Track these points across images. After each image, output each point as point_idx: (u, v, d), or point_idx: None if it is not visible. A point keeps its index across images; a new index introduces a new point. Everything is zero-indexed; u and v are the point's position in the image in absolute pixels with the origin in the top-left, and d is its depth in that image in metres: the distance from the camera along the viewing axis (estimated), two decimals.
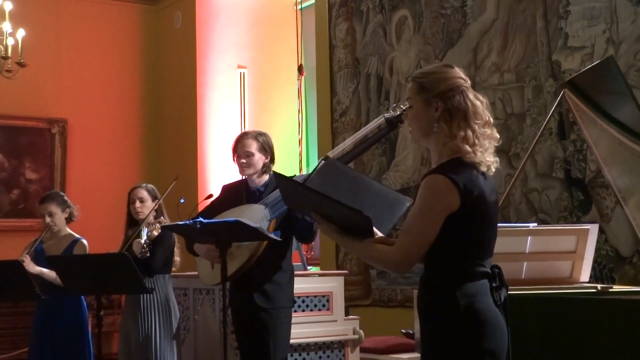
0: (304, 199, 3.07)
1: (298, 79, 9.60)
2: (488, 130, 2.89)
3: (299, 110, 9.56)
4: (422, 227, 2.79)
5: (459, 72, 2.93)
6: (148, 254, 5.47)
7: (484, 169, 2.86)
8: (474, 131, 2.85)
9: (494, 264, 2.89)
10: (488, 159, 2.86)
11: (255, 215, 4.61)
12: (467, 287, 2.78)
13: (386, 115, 4.31)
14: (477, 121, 2.86)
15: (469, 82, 2.94)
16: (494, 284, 2.84)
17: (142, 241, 5.47)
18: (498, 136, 2.93)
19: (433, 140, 2.92)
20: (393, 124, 4.28)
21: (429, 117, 2.90)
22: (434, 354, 2.84)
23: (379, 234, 2.93)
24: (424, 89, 2.91)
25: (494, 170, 2.90)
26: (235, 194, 4.93)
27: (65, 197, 6.27)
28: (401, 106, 4.35)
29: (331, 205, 2.91)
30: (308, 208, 3.02)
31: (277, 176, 3.13)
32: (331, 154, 4.39)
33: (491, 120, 2.92)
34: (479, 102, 2.89)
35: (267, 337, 4.65)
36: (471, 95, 2.89)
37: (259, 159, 4.86)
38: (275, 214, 4.58)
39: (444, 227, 2.78)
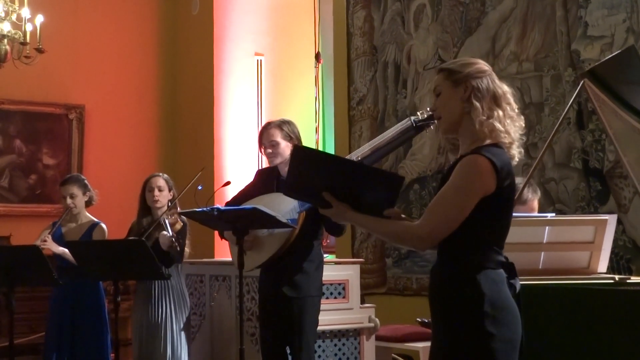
0: (320, 175, 2.99)
1: (315, 67, 9.59)
2: (515, 116, 2.93)
3: (315, 98, 9.55)
4: (457, 204, 2.79)
5: (485, 63, 3.00)
6: (178, 248, 5.51)
7: (514, 152, 2.89)
8: (504, 111, 2.89)
9: (505, 254, 2.91)
10: (516, 143, 2.91)
11: (286, 206, 4.60)
12: (488, 274, 2.80)
13: (413, 118, 4.29)
14: (507, 105, 2.91)
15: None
16: (507, 275, 2.85)
17: (170, 235, 5.49)
18: (523, 124, 2.96)
19: (464, 126, 2.94)
20: (420, 127, 4.26)
21: (459, 97, 2.93)
22: (453, 340, 2.83)
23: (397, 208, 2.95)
24: (452, 72, 2.97)
25: (517, 160, 2.92)
26: (267, 180, 4.92)
27: (86, 181, 6.30)
28: (428, 109, 4.34)
29: (362, 171, 2.90)
30: (320, 187, 2.95)
31: (296, 148, 3.08)
32: (354, 155, 4.38)
33: (516, 109, 2.96)
34: (506, 88, 2.96)
35: (292, 325, 4.66)
36: (497, 82, 2.95)
37: (285, 147, 4.83)
38: (304, 207, 4.55)
39: (474, 209, 2.78)
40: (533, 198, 4.98)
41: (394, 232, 2.90)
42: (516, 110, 2.95)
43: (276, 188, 4.82)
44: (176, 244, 5.50)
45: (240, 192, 5.01)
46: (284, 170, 4.87)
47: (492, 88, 2.91)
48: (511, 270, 2.87)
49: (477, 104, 2.88)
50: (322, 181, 2.98)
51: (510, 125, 2.89)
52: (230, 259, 5.14)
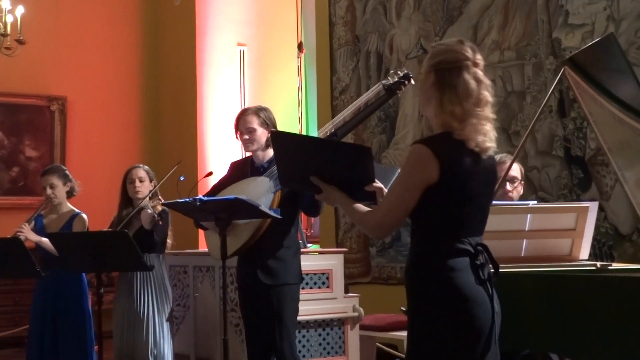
0: (302, 157, 3.04)
1: (298, 57, 9.58)
2: (481, 111, 2.90)
3: (298, 87, 9.55)
4: (400, 194, 2.85)
5: (466, 48, 2.94)
6: (160, 222, 5.48)
7: (473, 146, 2.86)
8: (462, 107, 2.87)
9: (482, 242, 2.91)
10: (478, 138, 2.87)
11: (260, 188, 4.60)
12: (447, 263, 2.82)
13: (384, 82, 4.28)
14: (467, 98, 2.88)
15: (477, 60, 2.94)
16: (477, 262, 2.85)
17: (152, 211, 5.46)
18: (493, 116, 2.94)
19: (429, 113, 2.97)
20: (391, 90, 4.25)
21: (426, 84, 2.95)
22: (415, 328, 2.89)
23: (379, 184, 2.99)
24: (430, 57, 2.97)
25: (490, 153, 2.92)
26: (240, 170, 4.91)
27: (67, 172, 6.26)
28: (399, 72, 4.33)
29: (331, 147, 2.96)
30: (308, 171, 2.99)
31: (274, 134, 3.10)
32: (332, 122, 4.38)
33: (488, 100, 2.92)
34: (473, 81, 2.90)
35: (271, 315, 4.65)
36: (467, 74, 2.90)
37: (262, 134, 4.82)
38: (279, 186, 4.55)
39: (424, 200, 2.82)
40: (508, 163, 4.89)
41: (358, 219, 2.98)
42: (488, 102, 2.92)
43: (250, 175, 4.82)
44: (158, 218, 5.47)
45: (215, 184, 5.00)
46: (259, 158, 4.87)
47: (454, 82, 2.88)
48: (487, 257, 2.87)
49: (437, 95, 2.89)
50: (307, 165, 3.02)
51: (469, 122, 2.86)
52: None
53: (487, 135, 2.89)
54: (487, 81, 2.95)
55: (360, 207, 2.95)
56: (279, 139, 3.14)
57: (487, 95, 2.92)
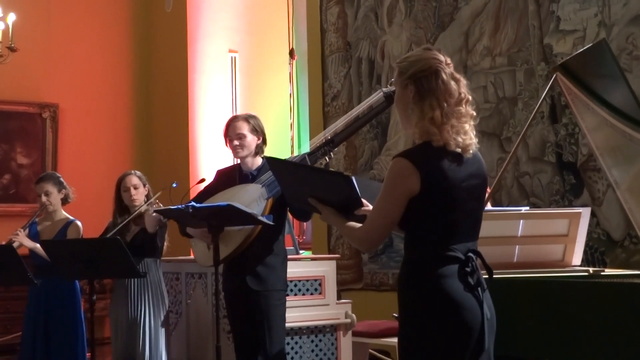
0: (298, 182, 3.10)
1: (289, 63, 9.58)
2: (462, 109, 2.92)
3: (290, 94, 9.55)
4: (383, 208, 2.88)
5: (435, 53, 2.97)
6: (166, 222, 5.50)
7: (454, 148, 2.88)
8: (442, 110, 2.89)
9: (474, 248, 2.92)
10: (459, 139, 2.89)
11: (252, 195, 4.61)
12: (436, 271, 2.84)
13: (384, 89, 4.30)
14: (449, 99, 2.90)
15: (448, 61, 2.96)
16: (467, 269, 2.85)
17: (155, 214, 5.47)
18: (474, 113, 2.97)
19: (410, 124, 2.98)
20: (391, 98, 4.27)
21: (406, 100, 2.96)
22: (405, 335, 2.91)
23: (369, 206, 3.00)
24: (400, 73, 2.99)
25: (472, 151, 2.92)
26: (228, 178, 4.92)
27: (62, 179, 6.26)
28: None
29: (316, 174, 3.03)
30: (305, 194, 3.06)
31: (269, 160, 3.16)
32: (327, 131, 4.39)
33: (467, 97, 2.95)
34: (452, 81, 2.93)
35: (260, 320, 4.65)
36: (444, 75, 2.92)
37: (252, 140, 4.85)
38: (272, 193, 4.57)
39: (410, 210, 2.85)
40: None
41: (347, 234, 3.03)
42: (468, 100, 2.94)
43: (238, 182, 4.83)
44: (165, 220, 5.49)
45: (200, 191, 5.00)
46: (248, 165, 4.89)
47: (433, 87, 2.91)
48: (471, 264, 2.87)
49: (416, 108, 2.92)
50: (303, 188, 3.09)
51: (449, 124, 2.88)
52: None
53: (467, 134, 2.91)
54: (463, 80, 2.98)
55: (352, 223, 2.99)
56: (274, 164, 3.23)
57: (466, 92, 2.95)
